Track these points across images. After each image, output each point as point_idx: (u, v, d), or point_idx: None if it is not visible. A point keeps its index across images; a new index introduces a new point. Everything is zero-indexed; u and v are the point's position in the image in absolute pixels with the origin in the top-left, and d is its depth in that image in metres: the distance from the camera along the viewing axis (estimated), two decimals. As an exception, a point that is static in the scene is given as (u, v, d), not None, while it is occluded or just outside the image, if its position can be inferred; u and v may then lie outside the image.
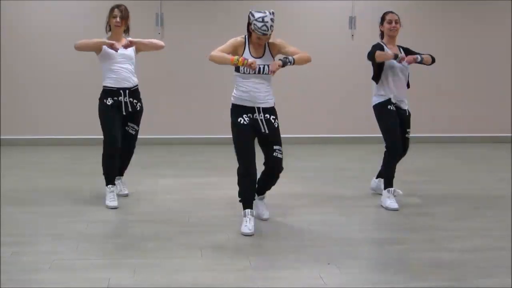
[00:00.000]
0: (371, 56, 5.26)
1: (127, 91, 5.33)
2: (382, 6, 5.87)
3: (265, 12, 4.48)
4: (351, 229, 4.72)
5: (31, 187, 6.03)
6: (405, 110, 5.46)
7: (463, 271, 3.75)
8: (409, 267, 3.81)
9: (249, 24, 4.57)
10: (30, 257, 3.92)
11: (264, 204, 4.96)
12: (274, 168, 4.71)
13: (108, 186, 5.34)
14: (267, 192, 4.99)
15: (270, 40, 4.66)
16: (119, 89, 5.31)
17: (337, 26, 9.05)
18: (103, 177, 5.79)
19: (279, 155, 4.66)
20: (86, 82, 8.62)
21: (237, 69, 4.65)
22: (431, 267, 3.82)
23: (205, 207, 5.28)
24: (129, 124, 5.44)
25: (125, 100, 5.32)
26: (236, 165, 4.61)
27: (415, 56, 5.28)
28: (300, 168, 7.10)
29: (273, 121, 4.65)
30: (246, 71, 4.58)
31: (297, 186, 6.12)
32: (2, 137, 8.59)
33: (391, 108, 5.36)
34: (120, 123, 5.35)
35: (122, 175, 5.70)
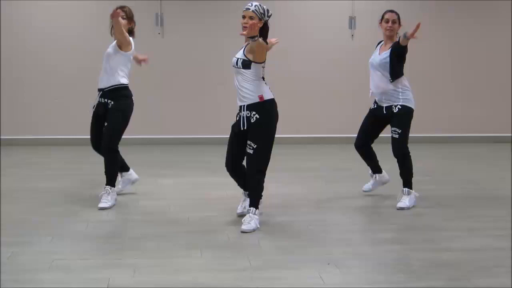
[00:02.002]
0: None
1: (101, 91, 5.37)
2: (382, 6, 5.86)
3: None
4: (351, 229, 4.72)
5: (31, 187, 6.03)
6: (382, 107, 5.42)
7: (463, 271, 3.75)
8: (409, 267, 3.81)
9: None
10: (30, 257, 3.92)
11: (249, 217, 4.64)
12: (246, 165, 4.76)
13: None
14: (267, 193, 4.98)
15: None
16: (98, 90, 5.40)
17: (337, 26, 9.05)
18: (103, 177, 5.80)
19: (249, 151, 4.62)
20: (86, 82, 8.62)
21: None
22: (431, 267, 3.82)
23: (205, 207, 5.28)
24: (105, 123, 5.38)
25: (100, 100, 5.37)
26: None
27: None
28: (300, 168, 7.10)
29: (252, 116, 4.61)
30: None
31: (296, 186, 6.11)
32: (2, 137, 8.59)
33: (370, 107, 5.55)
34: (99, 124, 5.42)
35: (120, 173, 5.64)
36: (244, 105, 4.64)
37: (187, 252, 4.08)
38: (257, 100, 4.62)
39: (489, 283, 3.57)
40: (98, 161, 6.45)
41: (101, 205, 5.17)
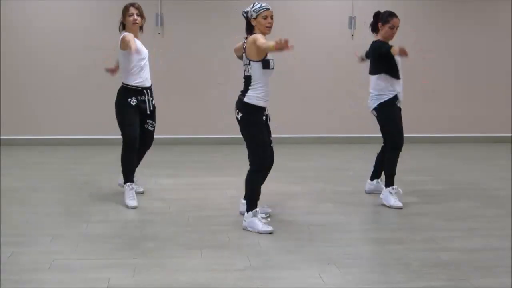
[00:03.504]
0: (388, 52, 5.24)
1: (149, 90, 5.43)
2: (382, 6, 5.85)
3: None
4: (351, 229, 4.72)
5: (31, 187, 6.03)
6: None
7: (463, 271, 3.75)
8: (409, 267, 3.81)
9: (249, 20, 4.59)
10: (30, 257, 3.92)
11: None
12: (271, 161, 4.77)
13: (127, 184, 5.38)
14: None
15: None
16: (143, 88, 5.38)
17: (337, 26, 9.05)
18: (103, 177, 5.80)
19: (272, 145, 4.76)
20: (86, 82, 8.63)
21: (267, 66, 4.58)
22: (431, 267, 3.82)
23: (205, 207, 5.28)
24: (148, 121, 5.49)
25: (148, 98, 5.41)
26: (234, 164, 4.66)
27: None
28: (300, 168, 7.10)
29: (269, 117, 4.73)
30: (273, 65, 4.61)
31: (296, 186, 6.11)
32: (2, 137, 8.59)
33: (398, 104, 5.42)
34: (139, 121, 5.42)
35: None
36: (268, 107, 4.72)
37: (187, 252, 4.08)
38: None
39: (489, 283, 3.57)
40: (98, 162, 6.45)
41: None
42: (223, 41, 8.47)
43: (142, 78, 5.36)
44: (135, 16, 5.33)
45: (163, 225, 4.74)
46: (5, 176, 6.41)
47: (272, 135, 4.85)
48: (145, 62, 5.39)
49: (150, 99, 5.43)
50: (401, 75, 5.41)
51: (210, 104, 8.93)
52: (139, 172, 5.82)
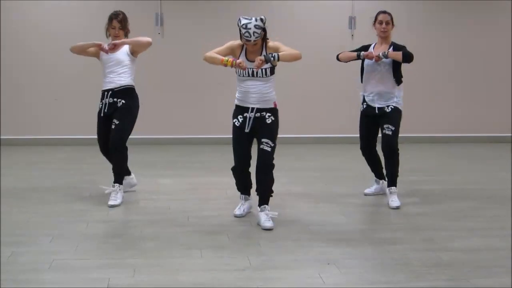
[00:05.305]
0: (337, 58, 5.66)
1: (109, 92, 5.39)
2: (382, 6, 5.87)
3: (250, 19, 4.52)
4: (351, 229, 4.72)
5: (31, 187, 6.03)
6: (374, 107, 5.43)
7: (463, 271, 3.75)
8: (409, 267, 3.81)
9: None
10: (30, 257, 3.92)
11: (266, 215, 4.70)
12: (260, 161, 4.70)
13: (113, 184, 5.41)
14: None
15: (269, 44, 4.71)
16: (104, 91, 5.43)
17: (337, 26, 9.05)
18: (103, 177, 5.77)
19: (266, 147, 4.67)
20: (86, 82, 8.63)
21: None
22: (431, 267, 3.82)
23: (205, 207, 5.28)
24: (113, 120, 5.35)
25: (106, 101, 5.39)
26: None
27: (377, 54, 5.34)
28: (300, 168, 7.10)
29: (267, 117, 4.70)
30: (241, 74, 4.66)
31: (296, 186, 6.12)
32: (2, 137, 8.59)
33: (361, 109, 5.54)
34: (108, 125, 5.36)
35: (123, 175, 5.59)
36: (254, 107, 4.67)
37: (187, 252, 4.07)
38: (272, 106, 4.78)
39: (489, 283, 3.57)
40: (98, 162, 6.44)
41: (111, 202, 5.25)
42: (223, 41, 8.47)
43: (104, 82, 5.42)
44: (116, 31, 5.40)
45: (163, 225, 4.73)
46: (5, 176, 6.41)
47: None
48: (109, 69, 5.39)
49: (112, 100, 5.33)
50: (366, 77, 5.49)
51: (210, 104, 8.93)
52: (139, 172, 5.84)
